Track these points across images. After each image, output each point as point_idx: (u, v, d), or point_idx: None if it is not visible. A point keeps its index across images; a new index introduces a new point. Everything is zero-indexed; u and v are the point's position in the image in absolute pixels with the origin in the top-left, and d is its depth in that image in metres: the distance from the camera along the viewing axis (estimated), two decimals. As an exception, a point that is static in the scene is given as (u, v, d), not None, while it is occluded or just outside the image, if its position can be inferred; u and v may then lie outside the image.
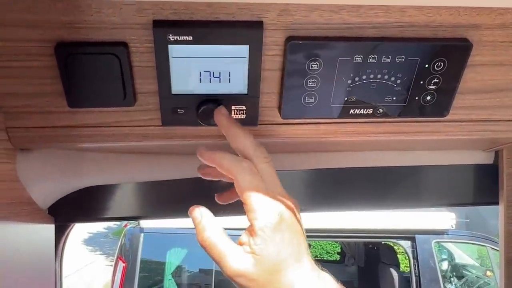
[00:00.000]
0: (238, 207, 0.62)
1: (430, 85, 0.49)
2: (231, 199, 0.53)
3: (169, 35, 0.43)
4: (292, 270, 0.42)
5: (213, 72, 0.46)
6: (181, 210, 0.69)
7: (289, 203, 0.44)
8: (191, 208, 0.45)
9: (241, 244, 0.43)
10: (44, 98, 0.46)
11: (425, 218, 3.11)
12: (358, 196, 0.73)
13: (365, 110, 0.50)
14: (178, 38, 0.43)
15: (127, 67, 0.44)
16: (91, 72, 0.44)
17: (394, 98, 0.49)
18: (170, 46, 0.43)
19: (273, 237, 0.42)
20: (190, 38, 0.43)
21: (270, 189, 0.44)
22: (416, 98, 0.50)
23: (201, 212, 0.45)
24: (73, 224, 0.72)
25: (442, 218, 3.13)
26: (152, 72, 0.46)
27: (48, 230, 0.62)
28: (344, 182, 0.72)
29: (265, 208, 0.42)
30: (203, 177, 0.53)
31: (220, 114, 0.47)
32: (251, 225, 0.42)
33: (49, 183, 0.55)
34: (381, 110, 0.50)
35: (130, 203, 0.68)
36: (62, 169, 0.55)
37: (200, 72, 0.46)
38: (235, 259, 0.42)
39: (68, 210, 0.64)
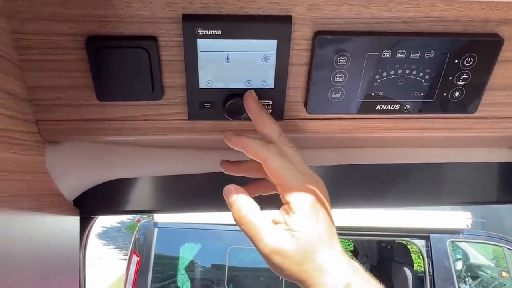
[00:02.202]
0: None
1: (459, 81, 0.48)
2: (257, 192, 0.53)
3: (198, 29, 0.43)
4: (325, 251, 0.43)
5: (241, 67, 0.46)
6: (206, 204, 0.69)
7: (321, 183, 0.46)
8: (226, 188, 0.46)
9: (276, 223, 0.44)
10: (74, 91, 0.47)
11: (440, 217, 3.07)
12: (379, 192, 0.73)
13: (392, 106, 0.50)
14: (207, 32, 0.43)
15: (156, 61, 0.45)
16: (120, 65, 0.45)
17: (422, 94, 0.49)
18: (198, 40, 0.44)
19: (310, 215, 0.43)
20: (219, 32, 0.43)
21: (299, 170, 0.45)
22: (444, 94, 0.49)
23: (237, 192, 0.45)
24: (97, 216, 0.73)
25: (457, 217, 3.09)
26: (180, 66, 0.46)
27: (73, 221, 0.63)
28: (366, 178, 0.71)
29: (301, 186, 0.43)
30: (225, 172, 0.54)
31: (251, 97, 0.47)
32: (287, 203, 0.43)
33: (76, 175, 0.56)
34: (408, 106, 0.50)
35: (154, 197, 0.69)
36: (89, 161, 0.56)
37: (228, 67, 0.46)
38: (272, 236, 0.42)
39: (93, 203, 0.65)
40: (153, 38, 0.44)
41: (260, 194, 0.53)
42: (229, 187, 0.46)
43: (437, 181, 0.73)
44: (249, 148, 0.45)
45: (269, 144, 0.45)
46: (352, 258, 0.45)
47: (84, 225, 0.72)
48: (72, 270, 0.64)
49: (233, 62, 0.46)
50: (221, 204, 0.68)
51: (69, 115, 0.49)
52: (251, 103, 0.47)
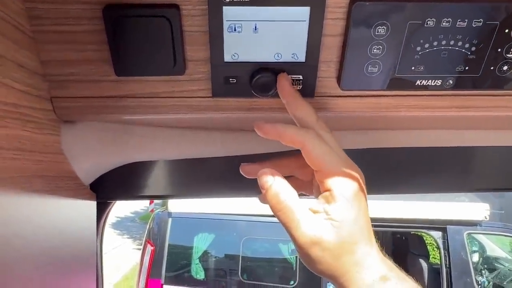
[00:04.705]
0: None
1: (509, 53, 0.44)
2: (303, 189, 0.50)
3: None
4: (364, 245, 0.40)
5: (270, 38, 0.43)
6: (229, 188, 0.66)
7: (360, 171, 0.43)
8: (261, 171, 0.42)
9: (314, 212, 0.41)
10: (90, 66, 0.44)
11: (458, 208, 3.02)
12: (412, 178, 0.69)
13: (433, 81, 0.46)
14: None
15: (178, 31, 0.42)
16: (140, 37, 0.42)
17: (467, 68, 0.45)
18: (224, 8, 0.40)
19: (352, 205, 0.40)
20: None
21: (340, 156, 0.42)
22: (491, 68, 0.45)
23: (273, 175, 0.42)
24: (114, 201, 0.70)
25: (475, 209, 3.04)
26: (204, 38, 0.43)
27: (90, 206, 0.60)
28: (399, 162, 0.67)
29: (343, 173, 0.40)
30: (247, 176, 0.50)
31: (285, 79, 0.44)
32: (328, 190, 0.40)
33: (92, 158, 0.53)
34: (450, 82, 0.46)
35: (174, 181, 0.66)
36: (106, 143, 0.53)
37: (256, 38, 0.42)
38: (312, 226, 0.39)
39: (110, 187, 0.63)
40: (175, 6, 0.40)
41: None
42: (265, 170, 0.42)
43: (477, 165, 0.69)
44: (285, 134, 0.42)
45: (307, 129, 0.42)
46: (385, 256, 0.42)
47: (101, 210, 0.69)
48: (90, 256, 0.61)
49: (261, 33, 0.42)
50: (245, 189, 0.65)
51: (84, 91, 0.46)
52: (286, 86, 0.44)
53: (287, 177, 0.49)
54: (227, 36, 0.42)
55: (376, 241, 0.42)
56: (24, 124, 0.41)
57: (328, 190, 0.40)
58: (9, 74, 0.38)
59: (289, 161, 0.49)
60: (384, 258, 0.41)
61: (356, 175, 0.41)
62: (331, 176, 0.40)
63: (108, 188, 0.62)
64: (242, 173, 0.50)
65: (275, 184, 0.41)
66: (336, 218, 0.39)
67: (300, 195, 0.48)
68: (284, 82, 0.44)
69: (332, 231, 0.39)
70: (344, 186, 0.40)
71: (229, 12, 0.41)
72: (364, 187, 0.42)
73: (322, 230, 0.39)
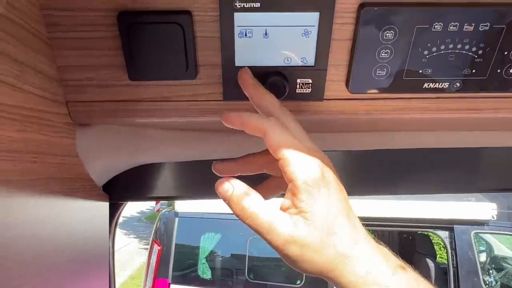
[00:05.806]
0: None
1: None
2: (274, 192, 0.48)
3: (236, 2, 0.40)
4: (346, 233, 0.37)
5: (280, 43, 0.43)
6: None
7: (326, 158, 0.40)
8: (218, 182, 0.40)
9: (284, 209, 0.38)
10: (104, 71, 0.45)
11: (465, 208, 3.01)
12: (418, 178, 0.70)
13: (441, 84, 0.46)
14: (245, 5, 0.41)
15: (190, 37, 0.43)
16: (153, 42, 0.43)
17: (474, 71, 0.45)
18: (236, 14, 0.41)
19: (319, 190, 0.37)
20: (258, 4, 0.41)
21: (303, 143, 0.39)
22: (498, 71, 0.45)
23: (231, 184, 0.39)
24: (126, 202, 0.71)
25: (482, 208, 3.02)
26: (216, 43, 0.44)
27: (102, 207, 0.62)
28: (406, 163, 0.68)
29: (304, 160, 0.38)
30: (219, 175, 0.48)
31: (246, 73, 0.44)
32: (292, 181, 0.38)
33: (106, 160, 0.54)
34: (457, 84, 0.46)
35: (186, 182, 0.67)
36: (120, 145, 0.54)
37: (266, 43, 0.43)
38: (283, 225, 0.37)
39: (122, 188, 0.64)
40: (187, 13, 0.42)
41: (271, 196, 0.47)
42: (221, 181, 0.40)
43: (482, 166, 0.69)
44: (248, 122, 0.40)
45: (270, 117, 0.40)
46: (376, 240, 0.39)
47: (113, 211, 0.71)
48: (102, 255, 0.63)
49: (272, 38, 0.43)
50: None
51: (99, 96, 0.47)
52: (247, 78, 0.43)
53: (266, 178, 0.48)
54: (238, 41, 0.43)
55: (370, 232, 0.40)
56: (41, 128, 0.42)
57: (291, 180, 0.38)
58: (28, 80, 0.39)
59: (257, 157, 0.47)
60: (378, 246, 0.39)
61: (319, 160, 0.39)
62: (292, 164, 0.38)
63: (120, 189, 0.63)
64: (215, 172, 0.48)
65: (235, 192, 0.39)
66: (306, 209, 0.37)
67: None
68: (244, 75, 0.44)
69: (304, 225, 0.37)
70: (306, 173, 0.37)
71: (240, 18, 0.42)
72: (332, 171, 0.39)
73: (294, 226, 0.37)
